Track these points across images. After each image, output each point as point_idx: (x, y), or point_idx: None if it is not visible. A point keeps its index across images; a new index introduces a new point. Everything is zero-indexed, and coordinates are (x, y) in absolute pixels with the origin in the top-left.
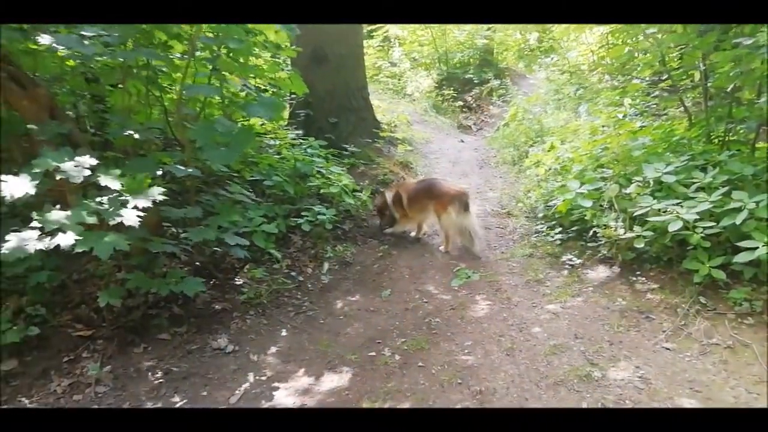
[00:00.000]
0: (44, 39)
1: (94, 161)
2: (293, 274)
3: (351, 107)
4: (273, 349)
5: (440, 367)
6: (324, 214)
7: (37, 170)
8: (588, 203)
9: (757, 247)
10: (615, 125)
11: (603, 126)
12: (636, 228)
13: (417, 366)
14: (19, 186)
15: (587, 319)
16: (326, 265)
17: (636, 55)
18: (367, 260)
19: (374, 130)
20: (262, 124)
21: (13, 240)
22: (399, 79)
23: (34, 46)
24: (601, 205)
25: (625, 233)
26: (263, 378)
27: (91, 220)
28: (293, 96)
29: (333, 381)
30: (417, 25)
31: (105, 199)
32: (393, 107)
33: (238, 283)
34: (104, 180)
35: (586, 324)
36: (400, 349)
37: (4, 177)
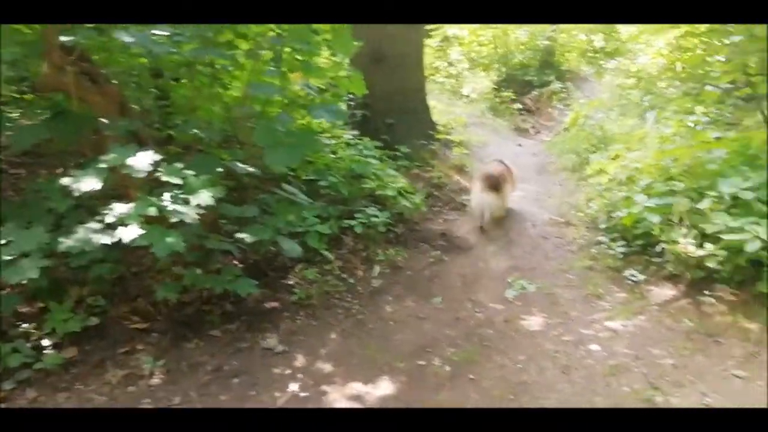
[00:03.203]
0: (121, 36)
1: (158, 157)
2: (344, 276)
3: (408, 108)
4: (322, 352)
5: (491, 381)
6: (377, 217)
7: (104, 165)
8: (656, 218)
9: None
10: (687, 135)
11: (674, 135)
12: (707, 245)
13: (467, 378)
14: (86, 180)
15: (650, 339)
16: (377, 269)
17: (712, 60)
18: (418, 265)
19: (430, 132)
20: (320, 123)
21: (79, 232)
22: (456, 80)
23: (108, 43)
24: (669, 220)
25: (695, 251)
26: (311, 381)
27: (152, 211)
28: (351, 96)
29: (381, 388)
30: (477, 25)
31: (167, 195)
32: (450, 108)
33: (289, 282)
34: (166, 176)
35: (648, 345)
36: (450, 359)
37: (73, 171)
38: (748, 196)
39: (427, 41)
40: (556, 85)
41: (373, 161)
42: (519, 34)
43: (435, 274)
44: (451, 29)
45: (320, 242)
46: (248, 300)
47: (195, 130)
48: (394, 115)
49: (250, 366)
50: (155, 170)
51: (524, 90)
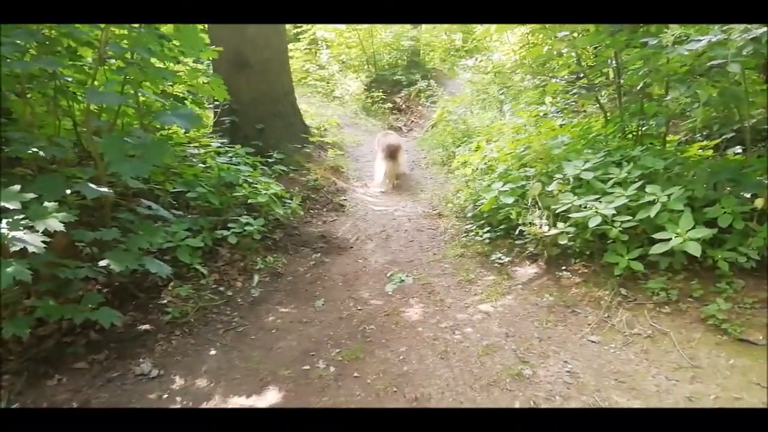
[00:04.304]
0: None
1: None
2: (221, 289)
3: (278, 113)
4: (201, 370)
5: (375, 376)
6: (252, 225)
7: None
8: (510, 200)
9: (671, 238)
10: (536, 124)
11: (525, 125)
12: (559, 224)
13: (352, 377)
14: None
15: (517, 316)
16: (256, 278)
17: (555, 53)
18: (299, 270)
19: (303, 135)
20: (186, 133)
21: None
22: (328, 83)
23: None
24: (525, 204)
25: (549, 230)
26: (190, 403)
27: None
28: (217, 103)
29: (265, 399)
30: (344, 27)
31: (4, 222)
32: (322, 111)
33: (162, 302)
34: (2, 201)
35: (516, 322)
36: (335, 360)
37: None
38: (589, 176)
39: (296, 45)
40: (423, 84)
41: (244, 168)
42: (384, 35)
43: (316, 276)
44: (319, 31)
45: (192, 257)
46: (116, 325)
47: (35, 149)
48: (265, 121)
49: (122, 396)
50: None
51: (394, 89)
